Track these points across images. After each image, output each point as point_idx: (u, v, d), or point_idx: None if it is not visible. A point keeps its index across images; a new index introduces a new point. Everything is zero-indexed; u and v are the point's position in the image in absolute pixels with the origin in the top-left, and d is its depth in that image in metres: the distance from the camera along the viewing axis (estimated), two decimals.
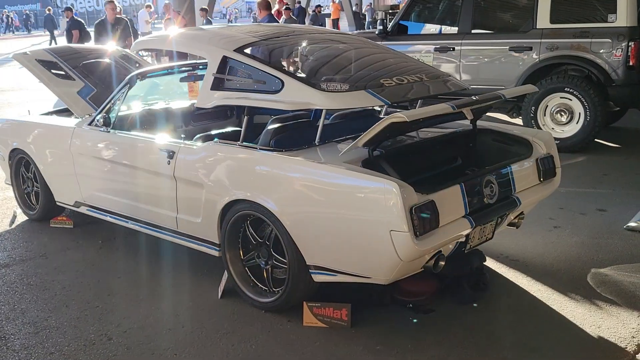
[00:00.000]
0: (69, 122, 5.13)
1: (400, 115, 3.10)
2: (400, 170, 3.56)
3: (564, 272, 4.24)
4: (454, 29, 8.50)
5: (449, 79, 4.14)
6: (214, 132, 4.41)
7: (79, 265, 4.54)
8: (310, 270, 3.51)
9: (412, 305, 3.77)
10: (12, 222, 5.54)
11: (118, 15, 8.93)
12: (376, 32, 8.82)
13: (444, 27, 8.92)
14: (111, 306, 3.92)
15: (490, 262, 4.38)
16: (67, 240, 5.05)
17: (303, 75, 3.79)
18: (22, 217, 5.62)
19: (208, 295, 3.99)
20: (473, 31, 8.26)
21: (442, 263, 3.46)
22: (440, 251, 3.41)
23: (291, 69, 3.98)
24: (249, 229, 3.80)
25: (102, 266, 4.52)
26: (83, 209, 5.02)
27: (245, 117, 3.84)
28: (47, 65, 5.62)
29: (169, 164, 4.10)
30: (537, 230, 4.98)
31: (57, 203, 5.26)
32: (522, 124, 7.84)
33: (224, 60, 3.88)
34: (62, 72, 5.57)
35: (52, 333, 3.61)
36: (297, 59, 4.10)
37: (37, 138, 5.28)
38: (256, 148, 3.72)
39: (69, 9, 14.06)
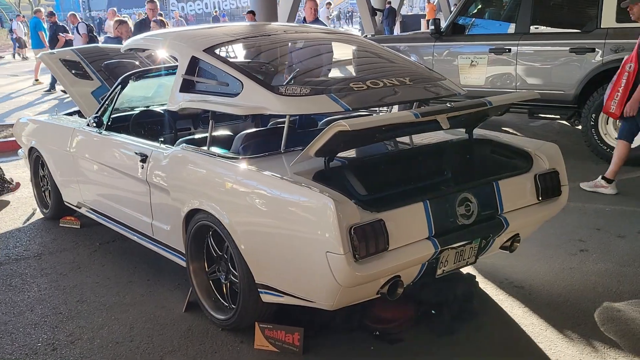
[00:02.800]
0: (74, 122, 5.10)
1: (343, 124, 2.76)
2: (365, 183, 3.22)
3: (570, 303, 3.72)
4: (510, 29, 7.92)
5: (439, 83, 3.71)
6: (199, 135, 4.22)
7: (65, 268, 4.48)
8: (258, 289, 3.23)
9: (379, 333, 3.41)
10: (28, 219, 5.60)
11: (160, 18, 8.96)
12: (429, 33, 8.37)
13: (500, 26, 8.34)
14: (74, 313, 3.80)
15: (489, 288, 3.93)
16: (68, 240, 5.03)
17: (262, 77, 3.50)
18: (39, 215, 5.68)
19: (173, 308, 3.80)
20: (531, 31, 7.66)
21: (400, 290, 3.08)
22: (398, 276, 3.04)
23: (256, 71, 3.71)
24: (211, 240, 3.57)
25: (87, 270, 4.43)
26: (83, 210, 4.98)
27: (211, 120, 3.61)
28: (70, 65, 5.63)
29: (142, 168, 3.95)
30: (558, 253, 4.45)
31: (65, 203, 5.25)
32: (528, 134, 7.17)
33: (193, 60, 3.67)
34: (82, 72, 5.58)
35: (3, 338, 3.53)
36: (267, 61, 3.83)
37: (46, 137, 5.30)
38: (215, 155, 3.49)
39: (52, 14, 14.10)
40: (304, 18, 8.28)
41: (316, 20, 8.19)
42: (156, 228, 3.98)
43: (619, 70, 5.65)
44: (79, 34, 12.86)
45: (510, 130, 8.42)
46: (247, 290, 3.28)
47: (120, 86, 4.52)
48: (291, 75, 3.49)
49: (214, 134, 4.15)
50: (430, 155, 3.71)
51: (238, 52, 3.77)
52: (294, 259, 3.01)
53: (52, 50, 5.90)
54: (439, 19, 8.46)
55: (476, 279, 3.97)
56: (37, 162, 5.57)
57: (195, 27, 4.61)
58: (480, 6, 8.53)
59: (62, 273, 4.40)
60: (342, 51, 4.01)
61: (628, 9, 5.76)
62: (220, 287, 3.62)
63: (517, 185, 3.45)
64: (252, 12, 12.56)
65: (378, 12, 23.64)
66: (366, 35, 10.05)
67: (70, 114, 5.87)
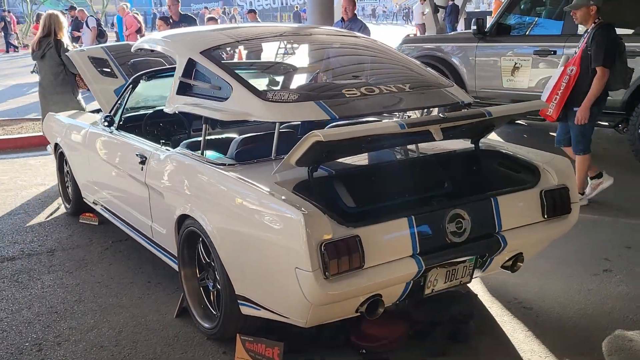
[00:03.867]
0: (90, 120, 5.13)
1: (318, 134, 2.63)
2: (349, 196, 3.08)
3: (579, 329, 3.47)
4: (557, 30, 7.54)
5: (442, 91, 3.50)
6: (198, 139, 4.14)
7: (73, 266, 4.50)
8: (238, 301, 3.13)
9: (366, 352, 3.25)
10: (51, 214, 5.69)
11: (182, 12, 8.89)
12: (472, 33, 8.07)
13: (547, 27, 7.96)
14: (69, 313, 3.80)
15: (494, 307, 3.72)
16: (83, 237, 5.07)
17: (252, 82, 3.38)
18: (63, 210, 5.76)
19: (166, 313, 3.75)
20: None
21: (381, 310, 2.91)
22: (379, 295, 2.88)
23: (248, 75, 3.61)
24: (200, 246, 3.50)
25: (93, 269, 4.44)
26: (98, 208, 5.01)
27: (204, 124, 3.53)
28: (97, 63, 5.67)
29: (142, 169, 3.92)
30: (577, 272, 4.18)
31: (83, 199, 5.30)
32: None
33: (190, 62, 3.59)
34: (109, 70, 5.62)
35: None
36: (262, 64, 3.72)
37: (67, 134, 5.36)
38: (203, 160, 3.41)
39: (72, 8, 14.22)
40: (342, 18, 8.08)
41: (353, 19, 7.99)
42: (155, 231, 3.95)
43: (560, 73, 5.35)
44: (89, 28, 13.19)
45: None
46: (228, 301, 3.19)
47: (131, 86, 4.50)
48: (285, 80, 3.37)
49: (220, 137, 4.09)
50: (428, 167, 3.53)
51: (234, 55, 3.65)
52: (268, 272, 2.90)
53: (83, 48, 5.96)
54: (482, 19, 8.15)
55: (477, 298, 3.75)
56: (61, 158, 5.65)
57: (199, 28, 4.56)
58: (527, 6, 8.18)
59: (68, 271, 4.43)
60: (344, 55, 3.85)
61: (571, 14, 5.49)
62: (209, 295, 3.55)
63: (520, 201, 3.23)
64: (253, 12, 12.35)
65: (440, 9, 23.17)
66: (415, 34, 9.78)
67: (97, 111, 5.94)
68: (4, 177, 6.97)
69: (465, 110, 3.13)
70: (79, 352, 3.36)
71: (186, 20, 8.63)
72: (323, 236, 2.63)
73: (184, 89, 3.62)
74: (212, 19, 12.03)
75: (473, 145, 3.51)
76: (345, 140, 2.76)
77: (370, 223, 2.79)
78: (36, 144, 8.31)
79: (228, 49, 3.69)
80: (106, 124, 4.55)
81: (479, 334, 3.41)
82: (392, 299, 3.02)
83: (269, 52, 3.87)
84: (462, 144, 3.64)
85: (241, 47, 4.21)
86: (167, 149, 3.81)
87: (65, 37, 6.77)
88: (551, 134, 8.43)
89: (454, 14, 25.36)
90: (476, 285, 3.94)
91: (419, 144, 3.67)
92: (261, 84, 3.98)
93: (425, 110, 3.62)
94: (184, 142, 3.89)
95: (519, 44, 7.79)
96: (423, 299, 3.26)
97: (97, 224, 5.31)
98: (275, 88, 3.30)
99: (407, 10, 46.26)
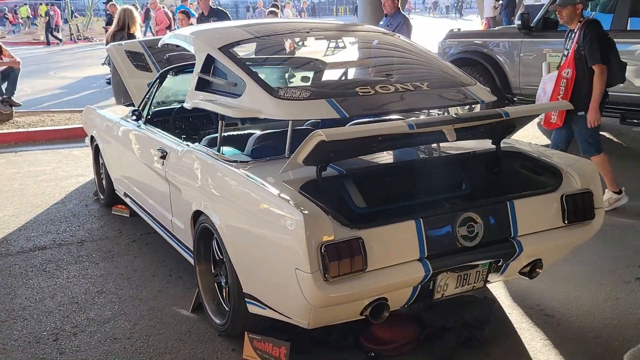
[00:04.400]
0: (121, 114, 5.21)
1: (320, 134, 2.58)
2: (357, 197, 3.03)
3: (601, 340, 3.32)
4: (606, 25, 7.24)
5: (463, 89, 3.39)
6: (230, 133, 4.15)
7: (100, 257, 4.58)
8: (245, 299, 3.12)
9: (374, 355, 3.20)
10: (87, 205, 5.81)
11: (213, 6, 8.78)
12: (516, 27, 7.85)
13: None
14: (89, 304, 3.87)
15: (514, 313, 3.60)
16: (114, 229, 5.16)
17: (266, 79, 3.35)
18: (98, 201, 5.88)
19: (182, 307, 3.78)
20: (630, 27, 6.98)
21: (386, 313, 2.85)
22: (384, 299, 2.82)
23: (264, 72, 3.57)
24: (215, 242, 3.51)
25: (119, 261, 4.51)
26: (128, 200, 5.08)
27: (220, 120, 3.52)
28: (133, 57, 5.75)
29: (162, 164, 3.95)
30: (608, 279, 4.01)
31: (116, 191, 5.39)
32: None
33: (209, 58, 3.59)
34: (144, 64, 5.69)
35: (16, 323, 3.64)
36: (280, 62, 3.68)
37: (100, 127, 5.46)
38: (216, 157, 3.40)
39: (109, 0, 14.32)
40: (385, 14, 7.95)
41: (395, 13, 7.86)
42: (174, 225, 3.98)
43: (555, 77, 5.07)
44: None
45: (607, 135, 7.74)
46: (236, 299, 3.18)
47: (159, 80, 4.54)
48: (301, 77, 3.33)
49: (243, 133, 4.08)
50: (445, 167, 3.43)
51: (253, 51, 3.63)
52: (271, 272, 2.88)
53: (121, 42, 6.05)
54: (528, 13, 7.90)
55: (496, 302, 3.65)
56: (97, 150, 5.75)
57: (222, 24, 4.55)
58: None
59: (94, 262, 4.51)
60: (364, 52, 3.78)
61: (557, 12, 5.20)
62: (222, 291, 3.55)
63: (538, 205, 3.11)
64: (274, 11, 11.98)
65: (497, 3, 22.66)
66: (459, 29, 9.56)
67: (131, 105, 6.02)
68: (47, 168, 7.16)
69: (481, 110, 3.02)
70: (92, 344, 3.41)
71: (217, 14, 8.46)
72: (324, 237, 2.59)
73: (202, 85, 3.62)
74: (273, 12, 11.71)
75: (494, 146, 3.40)
76: (351, 140, 2.70)
77: (375, 225, 2.73)
78: (82, 135, 8.48)
79: (246, 45, 3.66)
80: (134, 118, 4.60)
81: (494, 341, 3.31)
82: (399, 303, 2.95)
83: (283, 49, 3.83)
84: (483, 145, 3.53)
85: (289, 40, 4.16)
86: (187, 144, 3.82)
87: (138, 32, 6.97)
88: (634, 129, 8.16)
89: (511, 7, 24.76)
90: (498, 290, 3.83)
91: (440, 144, 3.59)
92: (280, 80, 3.95)
93: (443, 110, 3.52)
94: (206, 137, 3.90)
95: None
96: (436, 303, 3.19)
97: (128, 216, 5.39)
98: (289, 85, 3.26)
99: (460, 3, 45.07)
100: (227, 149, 3.62)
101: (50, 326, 3.62)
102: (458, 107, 3.51)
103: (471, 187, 3.42)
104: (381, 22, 8.05)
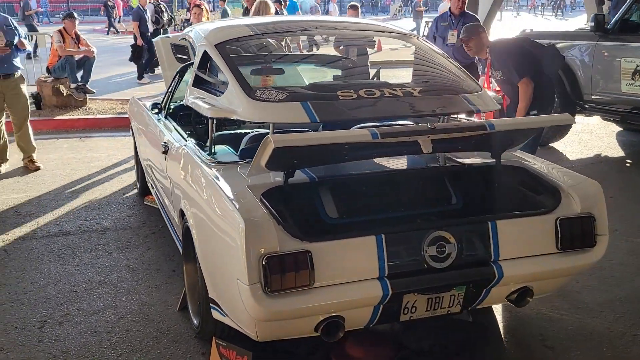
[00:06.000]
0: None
1: (269, 140, 2.44)
2: (322, 207, 2.88)
3: None
4: None
5: (459, 97, 3.12)
6: (238, 131, 4.08)
7: (115, 247, 4.64)
8: (210, 304, 3.04)
9: None
10: (124, 193, 5.93)
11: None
12: (589, 29, 7.30)
13: None
14: (87, 294, 3.91)
15: (511, 341, 3.33)
16: (139, 219, 5.23)
17: (247, 79, 3.22)
18: (135, 190, 5.99)
19: (172, 304, 3.75)
20: None
21: (341, 333, 2.68)
22: (339, 317, 2.65)
23: (251, 71, 3.45)
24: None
25: (131, 252, 4.55)
26: (153, 191, 5.13)
27: (210, 119, 3.45)
28: (177, 49, 5.81)
29: (165, 160, 3.94)
30: (633, 311, 3.63)
31: (147, 182, 5.46)
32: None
33: (205, 55, 3.53)
34: (186, 57, 5.72)
35: (12, 308, 3.73)
36: (272, 60, 3.55)
37: (134, 118, 5.54)
38: (198, 156, 3.33)
39: None
40: (450, 13, 7.60)
41: (463, 14, 7.50)
42: (174, 221, 3.96)
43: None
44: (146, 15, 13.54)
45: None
46: (204, 303, 3.11)
47: (178, 75, 4.54)
48: (285, 79, 3.19)
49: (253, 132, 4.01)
50: (433, 180, 3.19)
51: (247, 49, 3.53)
52: (225, 279, 2.77)
53: (169, 35, 6.13)
54: (603, 15, 7.33)
55: (477, 326, 3.36)
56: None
57: (230, 21, 4.47)
58: None
59: (109, 251, 4.57)
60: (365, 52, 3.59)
61: (465, 48, 4.90)
62: None
63: (527, 228, 2.83)
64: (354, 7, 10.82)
65: (606, 1, 21.36)
66: (532, 29, 9.03)
67: None
68: (102, 154, 7.38)
69: (463, 120, 2.77)
70: (72, 335, 3.44)
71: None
72: (266, 248, 2.45)
73: (198, 82, 3.56)
74: (354, 7, 10.83)
75: (494, 160, 3.14)
76: (312, 147, 2.55)
77: (329, 239, 2.57)
78: None
79: (243, 42, 3.56)
80: (155, 111, 4.63)
81: None
82: (360, 323, 2.77)
83: (280, 47, 3.70)
84: (484, 158, 3.26)
85: (291, 38, 4.05)
86: (185, 141, 3.78)
87: None
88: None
89: (621, 5, 23.28)
90: (502, 314, 3.55)
91: (445, 154, 3.36)
92: (280, 78, 3.82)
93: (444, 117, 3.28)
94: (222, 133, 3.85)
95: None
96: (416, 323, 2.99)
97: (157, 207, 5.44)
98: (271, 86, 3.13)
99: (557, 1, 42.43)
100: (222, 148, 3.54)
101: (41, 313, 3.68)
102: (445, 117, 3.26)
103: (462, 203, 3.17)
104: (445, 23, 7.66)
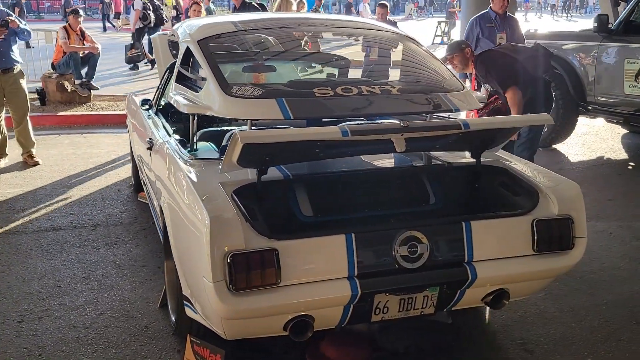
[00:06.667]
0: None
1: (236, 137, 2.42)
2: (294, 205, 2.85)
3: None
4: None
5: (440, 96, 3.07)
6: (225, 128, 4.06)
7: (104, 242, 4.64)
8: (183, 301, 3.02)
9: None
10: (119, 190, 5.93)
11: (247, 0, 8.35)
12: (593, 30, 7.20)
13: None
14: (70, 289, 3.91)
15: (487, 343, 3.28)
16: (132, 216, 5.22)
17: (225, 76, 3.18)
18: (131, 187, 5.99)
19: (154, 301, 3.74)
20: None
21: (310, 333, 2.65)
22: (308, 317, 2.62)
23: (231, 68, 3.43)
24: None
25: (120, 248, 4.55)
26: (145, 188, 5.13)
27: (191, 117, 3.43)
28: (173, 46, 5.79)
29: (150, 155, 3.93)
30: (618, 316, 3.57)
31: (141, 179, 5.46)
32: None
33: (187, 51, 3.51)
34: None
35: None
36: (255, 57, 3.52)
37: (129, 114, 5.55)
38: (175, 152, 3.31)
39: None
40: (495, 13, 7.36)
41: (504, 15, 7.31)
42: (158, 217, 3.94)
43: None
44: (134, 9, 13.65)
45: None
46: (179, 299, 3.09)
47: (168, 71, 4.53)
48: (266, 75, 3.17)
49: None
50: (411, 179, 3.15)
51: (230, 46, 3.51)
52: (195, 276, 2.75)
53: (167, 32, 6.11)
54: (606, 15, 7.24)
55: (455, 328, 3.32)
56: None
57: (216, 18, 4.45)
58: None
59: (97, 247, 4.57)
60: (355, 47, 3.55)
61: (451, 65, 4.80)
62: None
63: (502, 229, 2.79)
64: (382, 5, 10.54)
65: (622, 3, 21.12)
66: (536, 29, 8.92)
67: None
68: (102, 150, 7.40)
69: (437, 120, 2.73)
70: (50, 330, 3.44)
71: (248, 8, 8.00)
72: (231, 246, 2.43)
73: (181, 78, 3.55)
74: (383, 6, 10.48)
75: (474, 160, 3.09)
76: (281, 144, 2.52)
77: (298, 237, 2.54)
78: None
79: (226, 39, 3.54)
80: (146, 107, 4.62)
81: None
82: (329, 323, 2.74)
83: (264, 44, 3.67)
84: (465, 157, 3.22)
85: (306, 38, 4.02)
86: (164, 137, 3.76)
87: None
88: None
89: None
90: (485, 317, 3.50)
91: (430, 153, 3.32)
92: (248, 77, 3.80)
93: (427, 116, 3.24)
94: (201, 131, 3.83)
95: None
96: (393, 324, 2.95)
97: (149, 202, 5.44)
98: (247, 82, 3.11)
99: (568, 2, 41.86)
100: (205, 145, 3.53)
101: (22, 308, 3.68)
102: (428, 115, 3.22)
103: (441, 203, 3.13)
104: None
